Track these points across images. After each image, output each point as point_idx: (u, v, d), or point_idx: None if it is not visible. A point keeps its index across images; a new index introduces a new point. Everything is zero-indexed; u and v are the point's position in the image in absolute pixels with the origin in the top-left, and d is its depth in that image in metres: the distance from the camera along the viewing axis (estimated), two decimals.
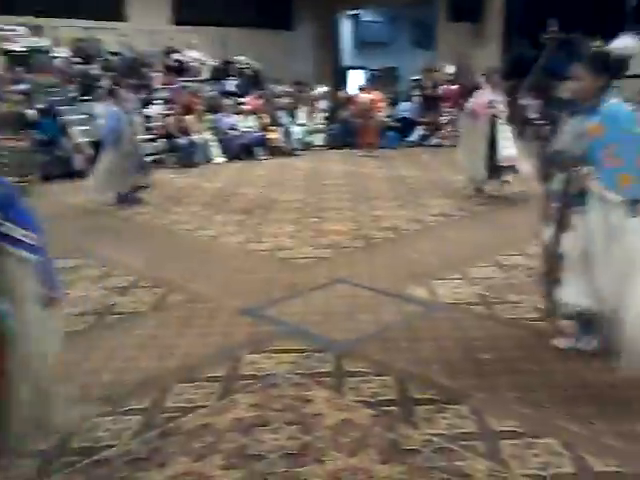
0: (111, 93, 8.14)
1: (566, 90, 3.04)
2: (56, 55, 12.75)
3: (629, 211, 2.79)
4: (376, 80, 17.60)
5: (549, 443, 2.47)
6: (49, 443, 2.55)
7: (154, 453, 2.48)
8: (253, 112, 12.94)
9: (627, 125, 2.87)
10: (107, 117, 7.93)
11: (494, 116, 7.30)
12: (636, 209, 2.80)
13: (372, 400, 2.84)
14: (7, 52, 12.29)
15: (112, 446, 2.54)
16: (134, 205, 7.64)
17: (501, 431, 2.57)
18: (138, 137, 7.89)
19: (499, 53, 16.21)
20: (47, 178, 9.69)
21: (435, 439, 2.52)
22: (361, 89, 13.43)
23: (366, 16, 21.67)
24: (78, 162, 10.17)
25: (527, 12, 15.80)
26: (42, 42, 12.74)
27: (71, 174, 9.99)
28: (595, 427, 2.58)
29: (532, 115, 15.25)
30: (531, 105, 15.35)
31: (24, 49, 12.48)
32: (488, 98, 7.31)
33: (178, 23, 15.73)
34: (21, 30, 12.50)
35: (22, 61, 12.02)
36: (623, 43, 2.95)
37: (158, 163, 11.20)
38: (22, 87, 11.10)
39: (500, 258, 5.00)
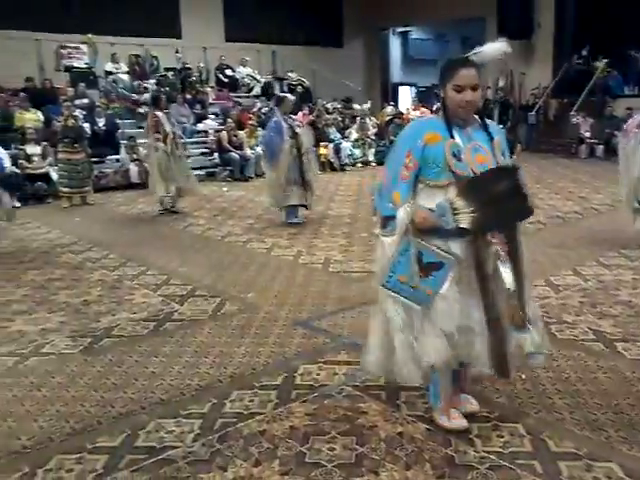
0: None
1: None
2: (114, 71, 13.28)
3: None
4: (423, 97, 17.61)
5: (609, 467, 2.44)
6: (116, 440, 2.67)
7: (215, 456, 2.55)
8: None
9: None
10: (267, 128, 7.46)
11: None
12: None
13: (427, 415, 2.83)
14: (70, 69, 12.84)
15: (175, 447, 2.62)
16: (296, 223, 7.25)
17: (558, 452, 2.54)
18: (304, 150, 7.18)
19: (551, 71, 16.05)
20: (106, 189, 10.08)
21: (491, 457, 2.52)
22: (411, 106, 13.49)
23: (415, 34, 21.81)
24: (135, 175, 10.54)
25: (577, 30, 15.62)
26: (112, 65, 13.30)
27: (129, 186, 10.40)
28: None
29: (586, 134, 14.82)
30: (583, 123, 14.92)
31: (85, 66, 13.04)
32: None
33: (230, 40, 16.09)
34: (83, 48, 13.09)
35: (84, 77, 12.55)
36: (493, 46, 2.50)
37: (210, 176, 11.54)
38: (84, 102, 11.58)
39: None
